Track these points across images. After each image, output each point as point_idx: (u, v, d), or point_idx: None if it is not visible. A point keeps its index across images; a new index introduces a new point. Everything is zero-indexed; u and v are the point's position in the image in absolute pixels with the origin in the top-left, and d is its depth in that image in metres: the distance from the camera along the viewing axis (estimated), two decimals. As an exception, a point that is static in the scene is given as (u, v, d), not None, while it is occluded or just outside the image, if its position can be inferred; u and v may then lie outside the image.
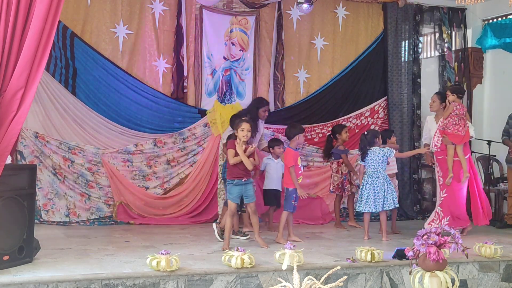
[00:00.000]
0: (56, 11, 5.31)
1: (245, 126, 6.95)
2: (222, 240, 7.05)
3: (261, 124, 8.87)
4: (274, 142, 8.40)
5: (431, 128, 8.44)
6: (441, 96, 8.45)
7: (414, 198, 10.50)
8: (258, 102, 8.93)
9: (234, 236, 7.48)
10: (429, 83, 10.92)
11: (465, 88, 10.74)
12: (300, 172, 7.48)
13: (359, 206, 7.92)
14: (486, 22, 11.00)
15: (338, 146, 8.92)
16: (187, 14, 9.26)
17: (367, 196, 7.79)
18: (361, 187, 7.95)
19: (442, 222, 7.90)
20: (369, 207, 7.78)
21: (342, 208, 9.44)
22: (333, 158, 9.00)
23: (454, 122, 8.00)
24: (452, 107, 8.03)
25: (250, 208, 6.95)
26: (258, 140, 8.67)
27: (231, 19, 9.58)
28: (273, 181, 8.31)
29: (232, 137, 7.66)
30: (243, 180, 6.89)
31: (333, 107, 10.17)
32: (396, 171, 8.79)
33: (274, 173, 8.27)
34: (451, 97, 8.10)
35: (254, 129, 8.31)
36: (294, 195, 7.41)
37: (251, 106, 8.87)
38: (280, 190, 8.26)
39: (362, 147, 7.96)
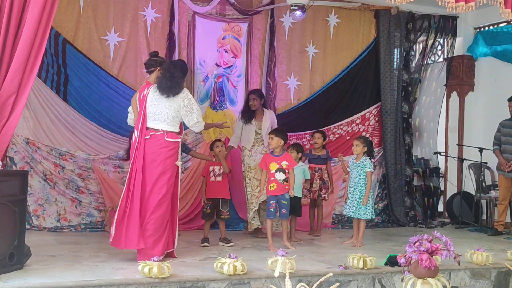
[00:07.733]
0: (48, 17, 5.31)
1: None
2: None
3: (267, 114, 8.62)
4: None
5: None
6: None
7: (406, 205, 10.49)
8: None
9: (220, 243, 7.57)
10: (421, 90, 10.99)
11: (456, 96, 10.84)
12: (272, 178, 7.40)
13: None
14: (478, 30, 11.06)
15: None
16: (180, 21, 9.26)
17: None
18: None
19: None
20: None
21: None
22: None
23: None
24: None
25: None
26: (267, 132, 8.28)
27: (224, 26, 9.59)
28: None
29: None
30: None
31: (324, 114, 10.18)
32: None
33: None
34: None
35: (248, 118, 8.43)
36: (271, 201, 7.40)
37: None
38: (300, 196, 8.16)
39: None
